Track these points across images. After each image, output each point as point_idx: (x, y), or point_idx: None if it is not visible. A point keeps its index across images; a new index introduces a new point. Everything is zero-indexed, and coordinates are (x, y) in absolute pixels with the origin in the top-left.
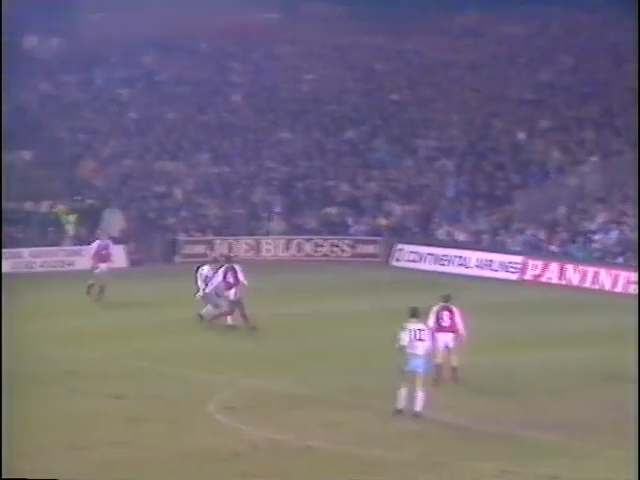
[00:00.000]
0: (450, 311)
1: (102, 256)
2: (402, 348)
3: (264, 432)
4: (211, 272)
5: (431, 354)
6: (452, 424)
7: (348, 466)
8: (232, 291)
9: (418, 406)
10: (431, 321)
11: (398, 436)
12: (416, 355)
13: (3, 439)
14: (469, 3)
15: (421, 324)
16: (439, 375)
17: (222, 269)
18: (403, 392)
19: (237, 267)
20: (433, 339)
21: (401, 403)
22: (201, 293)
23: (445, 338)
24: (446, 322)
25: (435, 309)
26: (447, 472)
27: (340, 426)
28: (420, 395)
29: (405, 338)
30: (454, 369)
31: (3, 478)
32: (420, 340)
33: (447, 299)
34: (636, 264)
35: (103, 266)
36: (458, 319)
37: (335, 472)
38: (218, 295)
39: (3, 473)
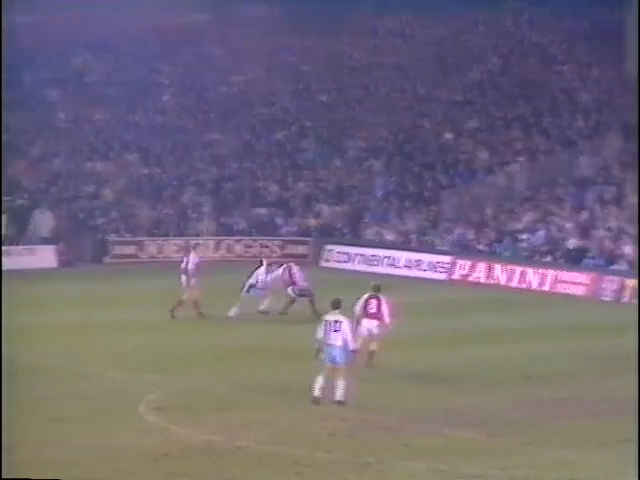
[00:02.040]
0: (378, 300)
1: None
2: (318, 339)
3: (194, 433)
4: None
5: (352, 345)
6: (381, 423)
7: (279, 466)
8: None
9: (338, 395)
10: (358, 308)
11: (328, 436)
12: (332, 345)
13: None
14: (397, 5)
15: (339, 315)
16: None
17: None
18: (319, 380)
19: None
20: (355, 328)
21: (316, 391)
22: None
23: (370, 324)
24: (373, 309)
25: (364, 297)
26: (377, 472)
27: (270, 426)
28: (340, 384)
29: (320, 329)
30: (371, 352)
31: (3, 478)
32: (336, 331)
33: (377, 289)
34: (566, 263)
35: None
36: (385, 308)
37: (266, 472)
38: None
39: (3, 473)
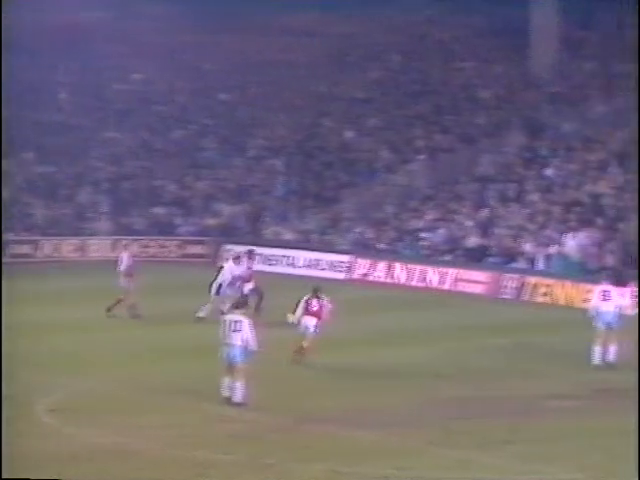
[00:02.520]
0: (319, 300)
1: None
2: (220, 339)
3: (92, 436)
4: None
5: (252, 344)
6: (282, 425)
7: (179, 469)
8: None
9: (237, 397)
10: (299, 309)
11: (228, 437)
12: (232, 345)
13: None
14: (298, 3)
15: (240, 316)
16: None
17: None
18: (226, 381)
19: None
20: (250, 329)
21: (226, 391)
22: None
23: (309, 322)
24: (314, 307)
25: (305, 298)
26: (277, 474)
27: (171, 428)
28: (238, 385)
29: (221, 329)
30: (300, 349)
31: (3, 478)
32: (235, 331)
33: (317, 290)
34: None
35: None
36: (325, 308)
37: (166, 475)
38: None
39: (3, 473)
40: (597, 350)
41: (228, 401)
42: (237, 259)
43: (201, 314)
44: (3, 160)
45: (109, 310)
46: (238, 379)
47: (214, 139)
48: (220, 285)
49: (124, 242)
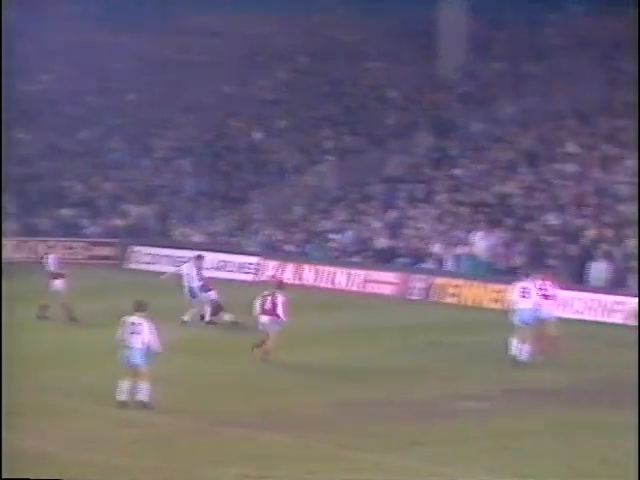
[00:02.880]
0: (274, 297)
1: None
2: (119, 342)
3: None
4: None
5: (154, 346)
6: (191, 428)
7: (85, 473)
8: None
9: (142, 397)
10: (257, 305)
11: (136, 442)
12: (131, 347)
13: None
14: (207, 4)
15: (140, 318)
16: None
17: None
18: (124, 385)
19: None
20: (151, 331)
21: (122, 395)
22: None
23: (264, 320)
24: (268, 306)
25: (262, 294)
26: (187, 478)
27: (75, 433)
28: (143, 387)
29: (120, 331)
30: (266, 351)
31: (3, 478)
32: (134, 333)
33: (278, 287)
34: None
35: None
36: (280, 305)
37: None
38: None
39: (3, 473)
40: (514, 343)
41: (123, 405)
42: (199, 258)
43: (185, 318)
44: None
45: (40, 316)
46: (142, 381)
47: (121, 140)
48: (192, 289)
49: (49, 243)
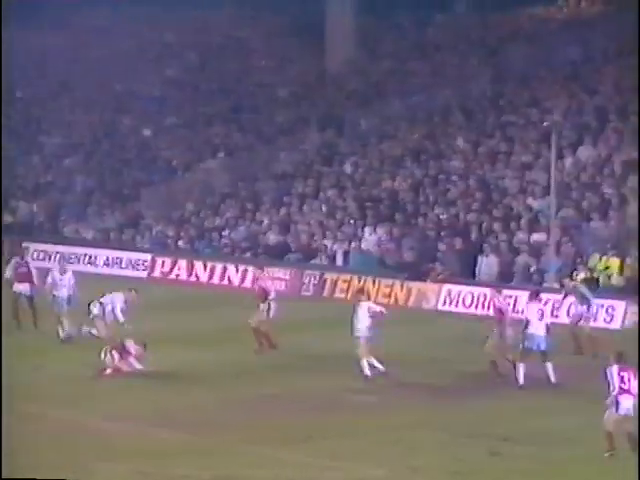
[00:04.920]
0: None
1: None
2: None
3: None
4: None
5: None
6: (84, 424)
7: None
8: None
9: None
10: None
11: (29, 437)
12: None
13: None
14: (95, 0)
15: None
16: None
17: None
18: None
19: None
20: None
21: None
22: None
23: None
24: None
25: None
26: (81, 473)
27: None
28: None
29: None
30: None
31: (3, 478)
32: None
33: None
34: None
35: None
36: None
37: None
38: None
39: (3, 473)
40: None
41: None
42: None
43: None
44: None
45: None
46: None
47: (10, 136)
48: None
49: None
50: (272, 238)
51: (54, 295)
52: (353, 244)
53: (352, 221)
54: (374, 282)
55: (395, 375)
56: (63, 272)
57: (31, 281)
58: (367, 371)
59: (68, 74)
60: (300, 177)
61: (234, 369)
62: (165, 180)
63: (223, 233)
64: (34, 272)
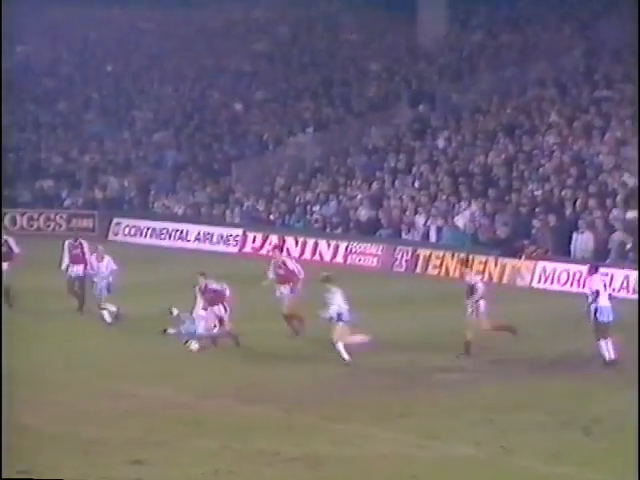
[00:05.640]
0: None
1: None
2: None
3: None
4: None
5: None
6: (175, 401)
7: (68, 446)
8: None
9: None
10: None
11: (121, 414)
12: None
13: None
14: None
15: None
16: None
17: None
18: None
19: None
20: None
21: None
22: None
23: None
24: (282, 272)
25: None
26: (170, 451)
27: (57, 406)
28: None
29: None
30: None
31: (3, 478)
32: None
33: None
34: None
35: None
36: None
37: (55, 452)
38: None
39: (3, 473)
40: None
41: None
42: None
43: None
44: None
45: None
46: None
47: (100, 112)
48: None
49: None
50: (363, 213)
51: (93, 282)
52: (446, 220)
53: (445, 197)
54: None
55: (487, 352)
56: (101, 259)
57: (84, 263)
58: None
59: (158, 49)
60: (392, 152)
61: (324, 345)
62: (256, 154)
63: (314, 208)
64: (87, 254)
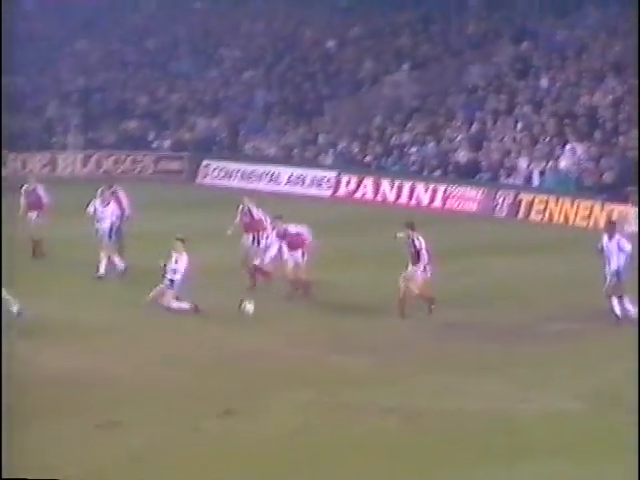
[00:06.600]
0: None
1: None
2: None
3: (70, 360)
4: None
5: None
6: (262, 349)
7: (159, 396)
8: None
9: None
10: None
11: (206, 363)
12: None
13: None
14: None
15: None
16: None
17: None
18: None
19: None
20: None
21: None
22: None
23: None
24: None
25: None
26: (260, 401)
27: (146, 352)
28: None
29: None
30: (305, 283)
31: (3, 478)
32: None
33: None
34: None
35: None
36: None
37: (144, 397)
38: None
39: (3, 473)
40: None
41: None
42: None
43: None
44: None
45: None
46: None
47: (188, 50)
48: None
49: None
50: (462, 155)
51: (96, 228)
52: (550, 163)
53: (548, 139)
54: (572, 203)
55: (590, 303)
56: (106, 203)
57: (121, 210)
58: None
59: None
60: (493, 92)
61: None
62: (350, 94)
63: (411, 150)
64: (124, 200)
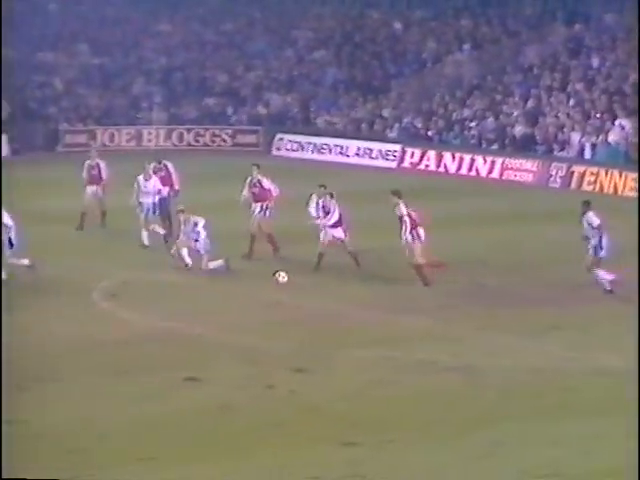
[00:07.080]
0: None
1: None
2: None
3: (150, 320)
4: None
5: None
6: (329, 310)
7: (233, 354)
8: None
9: None
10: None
11: (278, 324)
12: None
13: None
14: None
15: None
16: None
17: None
18: None
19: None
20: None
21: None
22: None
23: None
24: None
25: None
26: (327, 360)
27: (219, 315)
28: None
29: None
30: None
31: (3, 478)
32: None
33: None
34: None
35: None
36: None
37: (214, 360)
38: None
39: (3, 473)
40: None
41: None
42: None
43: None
44: (51, 52)
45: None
46: None
47: (263, 31)
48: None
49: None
50: (519, 130)
51: (140, 202)
52: (600, 137)
53: (599, 114)
54: (620, 175)
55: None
56: (148, 178)
57: (170, 184)
58: None
59: None
60: (547, 70)
61: (480, 257)
62: (415, 72)
63: (471, 124)
64: (174, 175)
